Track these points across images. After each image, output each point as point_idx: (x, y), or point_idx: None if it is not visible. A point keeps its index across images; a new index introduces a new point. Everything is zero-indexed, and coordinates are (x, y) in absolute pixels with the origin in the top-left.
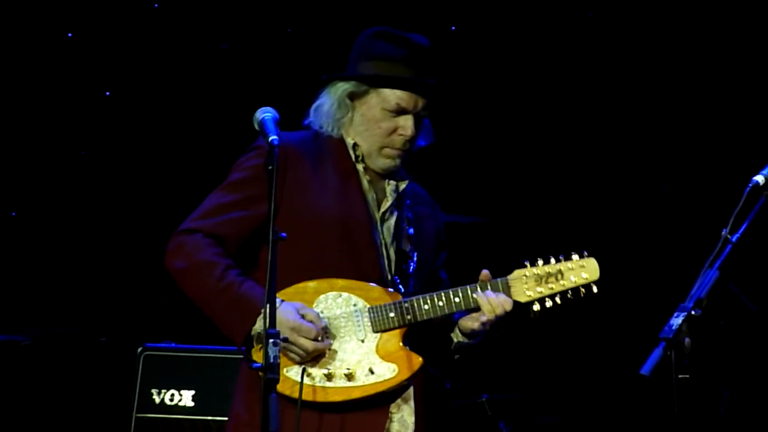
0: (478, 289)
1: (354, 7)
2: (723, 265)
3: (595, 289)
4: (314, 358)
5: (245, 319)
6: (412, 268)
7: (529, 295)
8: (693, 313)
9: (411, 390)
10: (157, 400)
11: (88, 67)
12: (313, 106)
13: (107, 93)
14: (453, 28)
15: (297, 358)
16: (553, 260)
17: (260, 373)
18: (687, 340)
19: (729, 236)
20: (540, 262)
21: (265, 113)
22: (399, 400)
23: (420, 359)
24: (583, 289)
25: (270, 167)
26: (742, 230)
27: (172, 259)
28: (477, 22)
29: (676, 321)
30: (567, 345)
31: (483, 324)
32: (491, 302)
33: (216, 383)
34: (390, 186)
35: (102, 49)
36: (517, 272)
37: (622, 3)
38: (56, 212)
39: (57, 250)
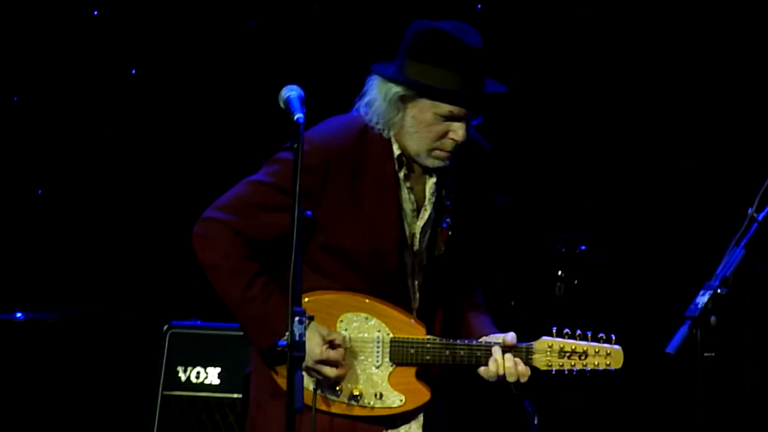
0: (500, 351)
1: None
2: (749, 243)
3: (613, 371)
4: None
5: (268, 335)
6: (440, 285)
7: (549, 365)
8: (719, 291)
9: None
10: (183, 378)
11: (113, 46)
12: (365, 99)
13: (133, 71)
14: (479, 6)
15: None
16: (579, 336)
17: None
18: (713, 318)
19: (755, 215)
20: (567, 333)
21: (291, 91)
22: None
23: (428, 395)
24: (602, 371)
25: (295, 145)
26: None
27: (200, 249)
28: None
29: (702, 299)
30: (592, 324)
31: (488, 378)
32: (508, 371)
33: (241, 361)
34: (430, 187)
35: (128, 27)
36: (542, 342)
37: None
38: (83, 190)
39: (83, 229)
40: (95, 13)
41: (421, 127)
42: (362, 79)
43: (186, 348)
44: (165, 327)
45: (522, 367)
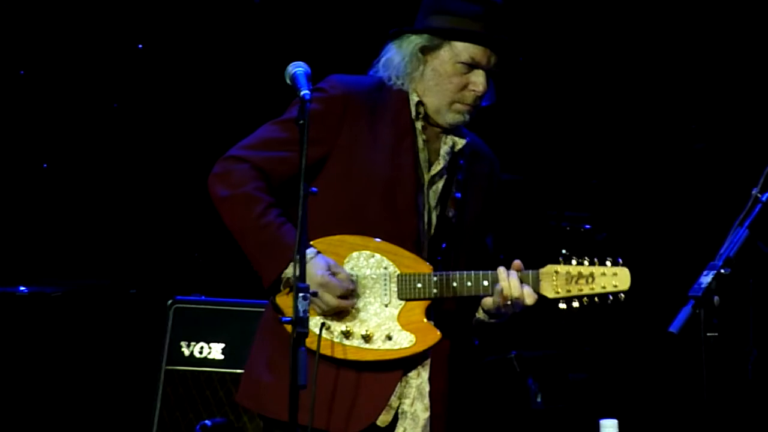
0: (505, 270)
1: None
2: (753, 224)
3: (622, 298)
4: (336, 313)
5: (278, 261)
6: (450, 237)
7: (557, 292)
8: (722, 271)
9: (429, 360)
10: (187, 352)
11: (119, 20)
12: (382, 59)
13: (139, 45)
14: None
15: (319, 311)
16: (586, 262)
17: (289, 327)
18: (716, 298)
19: (759, 195)
20: (573, 261)
21: (297, 67)
22: (419, 368)
23: (438, 334)
24: (611, 297)
25: (301, 122)
26: None
27: (217, 184)
28: None
29: (706, 279)
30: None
31: (500, 307)
32: (512, 287)
33: (245, 336)
34: (446, 146)
35: (134, 2)
36: (548, 267)
37: None
38: (88, 164)
39: (88, 202)
40: None
41: (441, 78)
42: (368, 56)
43: (190, 323)
44: (169, 302)
45: (527, 288)
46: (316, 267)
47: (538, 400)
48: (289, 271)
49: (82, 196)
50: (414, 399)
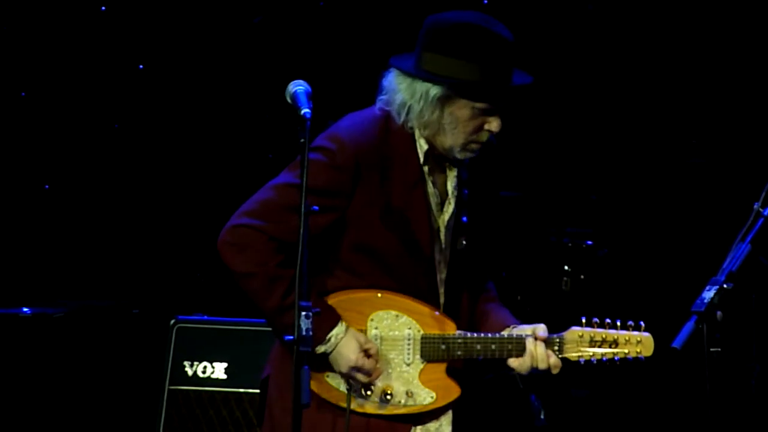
0: (533, 342)
1: None
2: (755, 238)
3: (642, 361)
4: None
5: (313, 340)
6: (465, 270)
7: (580, 356)
8: (725, 286)
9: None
10: (190, 372)
11: (120, 41)
12: (396, 98)
13: (140, 66)
14: (485, 1)
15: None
16: (608, 325)
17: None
18: (719, 313)
19: (761, 210)
20: (596, 322)
21: (298, 86)
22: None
23: (458, 391)
24: (632, 359)
25: (302, 140)
26: None
27: (233, 257)
28: None
29: (708, 294)
30: (598, 317)
31: (523, 372)
32: (539, 358)
33: (248, 356)
34: (451, 179)
35: (135, 22)
36: (573, 331)
37: None
38: (90, 185)
39: (90, 223)
40: (102, 8)
41: (459, 122)
42: (369, 74)
43: (192, 343)
44: (171, 321)
45: (554, 359)
46: (348, 349)
47: (542, 417)
48: (320, 349)
49: (85, 217)
50: None
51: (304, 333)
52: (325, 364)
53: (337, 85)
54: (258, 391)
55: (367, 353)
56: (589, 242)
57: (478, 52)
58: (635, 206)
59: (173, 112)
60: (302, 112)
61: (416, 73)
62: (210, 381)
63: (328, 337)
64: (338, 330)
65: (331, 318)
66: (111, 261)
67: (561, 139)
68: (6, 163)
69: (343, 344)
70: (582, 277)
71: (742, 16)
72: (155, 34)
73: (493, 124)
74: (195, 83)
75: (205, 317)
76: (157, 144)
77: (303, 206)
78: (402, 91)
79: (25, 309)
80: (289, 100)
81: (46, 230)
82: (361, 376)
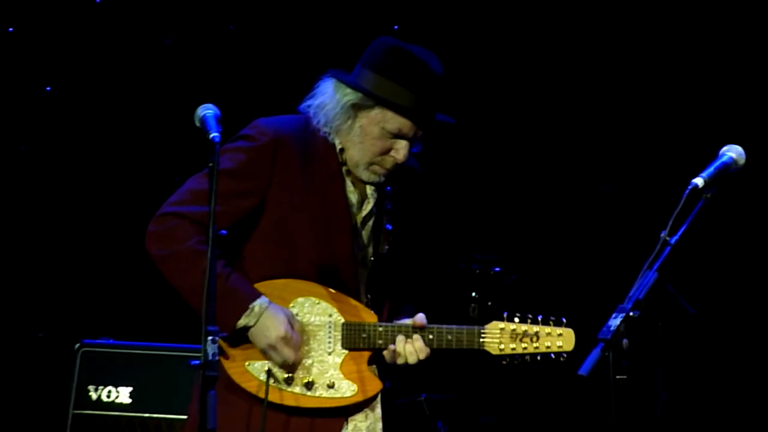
0: (450, 334)
1: (297, 3)
2: (661, 266)
3: (563, 359)
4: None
5: (234, 311)
6: (387, 273)
7: (501, 349)
8: (631, 314)
9: (377, 401)
10: (94, 396)
11: (28, 63)
12: (317, 100)
13: (48, 88)
14: (395, 27)
15: (274, 362)
16: (530, 320)
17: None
18: (625, 341)
19: (668, 238)
20: (517, 318)
21: (207, 110)
22: (366, 410)
23: (380, 385)
24: (552, 356)
25: (210, 165)
26: (680, 232)
27: (157, 243)
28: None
29: (615, 322)
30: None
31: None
32: (408, 350)
33: (154, 380)
34: (370, 186)
35: (43, 43)
36: (493, 324)
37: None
38: None
39: None
40: (10, 30)
41: (367, 138)
42: (279, 97)
43: (97, 366)
44: (76, 345)
45: (419, 344)
46: (276, 319)
47: None
48: (242, 322)
49: None
50: None
51: (210, 358)
52: (246, 350)
53: (248, 108)
54: (164, 416)
55: (293, 327)
56: (497, 269)
57: (406, 77)
58: (543, 233)
59: (82, 134)
60: (211, 136)
61: (347, 80)
62: (115, 405)
63: (251, 306)
64: (262, 300)
65: (254, 292)
66: (16, 283)
67: (469, 167)
68: None
69: (269, 315)
70: (489, 303)
71: (651, 50)
72: (65, 56)
73: (400, 153)
74: (105, 105)
75: (111, 341)
76: (63, 166)
77: (211, 230)
78: (324, 94)
79: None
80: (198, 124)
81: None
82: (287, 350)
